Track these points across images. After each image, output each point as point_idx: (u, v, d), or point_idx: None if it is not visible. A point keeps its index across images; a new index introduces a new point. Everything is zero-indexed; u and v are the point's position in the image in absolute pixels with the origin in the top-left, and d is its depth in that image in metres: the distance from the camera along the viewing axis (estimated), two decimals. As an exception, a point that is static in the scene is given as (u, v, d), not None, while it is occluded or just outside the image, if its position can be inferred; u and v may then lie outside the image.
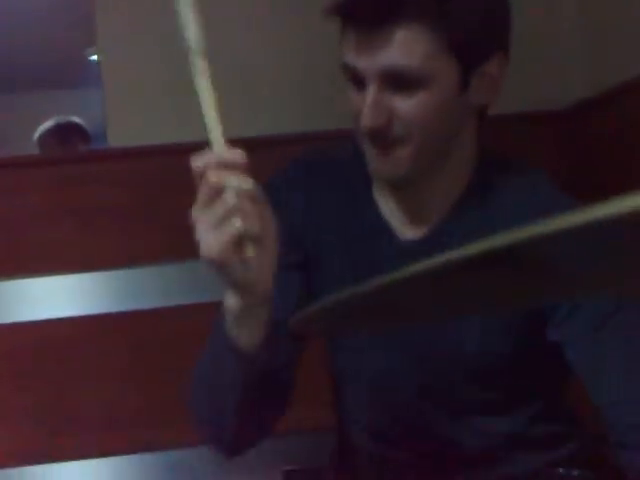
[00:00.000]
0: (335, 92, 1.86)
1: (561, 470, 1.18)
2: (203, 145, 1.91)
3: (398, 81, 1.03)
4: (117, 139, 1.87)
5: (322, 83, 1.91)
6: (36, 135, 3.18)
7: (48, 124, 3.32)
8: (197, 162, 0.88)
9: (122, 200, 1.81)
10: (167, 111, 1.88)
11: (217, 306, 1.81)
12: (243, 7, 1.92)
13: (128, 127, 1.87)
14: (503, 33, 1.09)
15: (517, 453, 1.19)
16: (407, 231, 1.17)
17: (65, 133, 3.24)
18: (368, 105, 1.04)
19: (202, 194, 0.87)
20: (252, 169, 1.84)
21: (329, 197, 1.20)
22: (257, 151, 1.74)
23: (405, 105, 1.04)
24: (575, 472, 1.18)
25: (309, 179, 1.22)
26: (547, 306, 1.09)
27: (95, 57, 5.21)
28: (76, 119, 3.45)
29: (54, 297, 1.80)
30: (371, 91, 1.04)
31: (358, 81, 1.06)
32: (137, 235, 1.81)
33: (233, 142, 1.91)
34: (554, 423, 1.21)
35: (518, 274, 0.53)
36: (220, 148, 0.90)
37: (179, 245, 1.81)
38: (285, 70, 1.92)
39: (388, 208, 1.19)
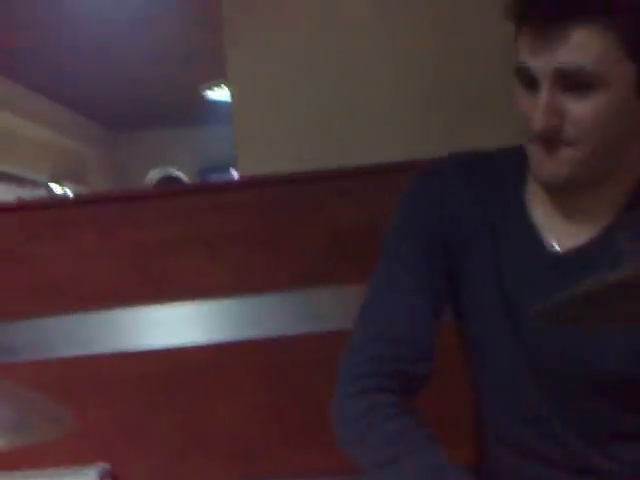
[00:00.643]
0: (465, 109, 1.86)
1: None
2: (333, 174, 1.92)
3: (572, 81, 1.03)
4: (245, 170, 1.92)
5: (451, 101, 1.91)
6: None
7: (151, 178, 3.87)
8: None
9: (248, 228, 1.86)
10: (294, 142, 1.92)
11: (334, 336, 1.83)
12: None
13: (256, 159, 1.92)
14: None
15: None
16: (558, 242, 1.15)
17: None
18: (541, 106, 1.04)
19: None
20: (379, 197, 1.83)
21: (478, 196, 1.19)
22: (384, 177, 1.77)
23: (578, 107, 1.03)
24: None
25: (458, 176, 1.21)
26: None
27: (209, 93, 5.35)
28: (176, 172, 3.96)
29: (185, 324, 1.85)
30: (544, 91, 1.04)
31: (530, 83, 1.06)
32: (263, 263, 1.85)
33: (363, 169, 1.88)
34: None
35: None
36: None
37: (304, 274, 1.84)
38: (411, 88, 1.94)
39: (541, 216, 1.17)
